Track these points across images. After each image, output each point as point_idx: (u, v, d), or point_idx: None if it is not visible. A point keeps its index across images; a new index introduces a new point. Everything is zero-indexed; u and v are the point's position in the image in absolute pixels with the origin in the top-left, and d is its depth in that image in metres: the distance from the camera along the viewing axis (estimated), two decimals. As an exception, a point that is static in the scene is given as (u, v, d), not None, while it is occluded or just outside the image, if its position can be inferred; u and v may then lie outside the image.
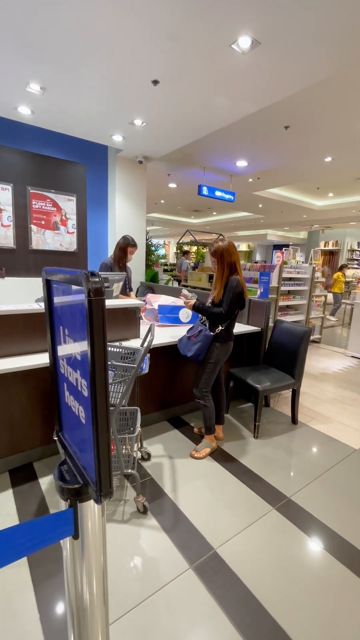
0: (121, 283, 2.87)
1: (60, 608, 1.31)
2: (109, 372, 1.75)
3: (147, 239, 7.52)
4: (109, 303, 2.39)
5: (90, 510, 0.71)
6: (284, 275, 4.66)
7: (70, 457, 0.79)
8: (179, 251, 15.08)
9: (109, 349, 1.92)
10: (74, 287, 0.67)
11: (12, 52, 2.53)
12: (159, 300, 3.27)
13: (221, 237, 2.75)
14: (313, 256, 5.72)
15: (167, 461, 2.26)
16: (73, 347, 0.72)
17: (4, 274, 3.79)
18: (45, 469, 2.13)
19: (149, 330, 1.89)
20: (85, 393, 0.65)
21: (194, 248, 15.96)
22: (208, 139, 4.35)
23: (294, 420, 2.84)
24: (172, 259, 19.17)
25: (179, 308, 3.08)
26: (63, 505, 0.71)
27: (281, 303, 4.76)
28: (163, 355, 2.65)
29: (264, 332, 3.03)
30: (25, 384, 2.09)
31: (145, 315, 3.19)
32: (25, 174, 3.77)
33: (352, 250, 14.03)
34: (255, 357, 3.13)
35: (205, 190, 6.00)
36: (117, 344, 2.09)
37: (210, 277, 7.91)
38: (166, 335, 2.61)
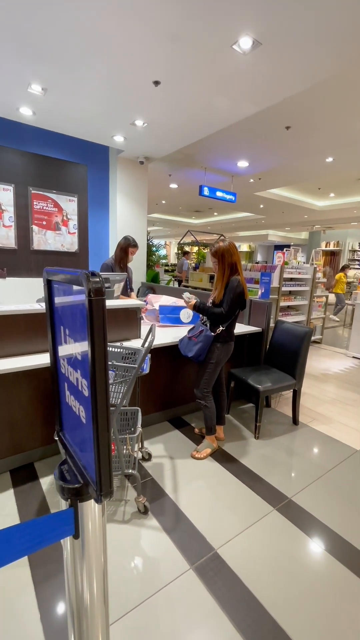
0: (122, 283, 2.88)
1: (60, 608, 1.31)
2: (110, 372, 1.76)
3: (148, 240, 7.53)
4: (110, 303, 2.39)
5: (91, 509, 0.71)
6: (285, 275, 4.66)
7: (71, 457, 0.79)
8: (180, 252, 15.10)
9: (110, 349, 1.92)
10: (74, 287, 0.67)
11: (14, 53, 2.54)
12: (159, 300, 3.28)
13: (222, 237, 2.75)
14: (314, 257, 5.72)
15: (168, 461, 2.26)
16: (74, 347, 0.72)
17: (6, 274, 3.80)
18: (46, 469, 2.13)
19: (150, 330, 1.89)
20: (86, 393, 0.65)
21: (195, 248, 15.97)
22: (209, 139, 4.35)
23: (295, 420, 2.83)
24: (173, 260, 19.19)
25: (179, 308, 3.08)
26: (64, 505, 0.71)
27: (282, 303, 4.76)
28: (164, 355, 2.65)
29: (265, 333, 3.03)
30: (26, 384, 2.09)
31: (146, 315, 3.20)
32: (26, 174, 3.78)
33: (354, 251, 14.00)
34: (256, 358, 3.13)
35: (206, 191, 6.00)
36: (118, 344, 2.10)
37: (211, 278, 7.90)
38: (167, 335, 2.61)
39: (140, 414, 2.05)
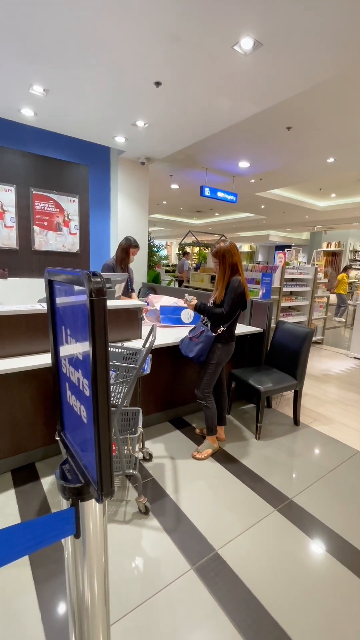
0: (123, 284, 2.88)
1: (61, 608, 1.31)
2: (111, 372, 1.76)
3: (149, 240, 7.54)
4: (111, 304, 2.40)
5: (92, 509, 0.71)
6: (286, 276, 4.66)
7: (72, 457, 0.79)
8: (181, 252, 15.11)
9: (111, 349, 1.92)
10: (76, 287, 0.67)
11: (15, 54, 2.55)
12: (160, 301, 3.28)
13: (223, 238, 2.75)
14: (315, 257, 5.71)
15: (169, 462, 2.26)
16: (75, 347, 0.72)
17: (7, 275, 3.81)
18: (47, 469, 2.13)
19: (151, 330, 1.90)
20: (87, 393, 0.66)
21: (196, 249, 15.97)
22: (210, 140, 4.36)
23: (296, 421, 2.83)
24: (174, 260, 19.20)
25: (180, 309, 3.08)
26: (65, 505, 0.71)
27: (283, 304, 4.76)
28: (165, 356, 2.65)
29: (266, 333, 3.03)
30: (27, 384, 2.10)
31: (147, 315, 3.20)
32: (28, 175, 3.79)
33: (355, 251, 13.99)
34: (257, 358, 3.13)
35: (207, 191, 6.01)
36: (119, 344, 2.10)
37: (212, 278, 7.90)
38: (168, 336, 2.61)
39: (141, 414, 2.06)
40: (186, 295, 2.32)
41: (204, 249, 14.42)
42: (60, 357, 0.87)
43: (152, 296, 3.51)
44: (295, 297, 5.02)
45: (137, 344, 2.43)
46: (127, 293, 3.25)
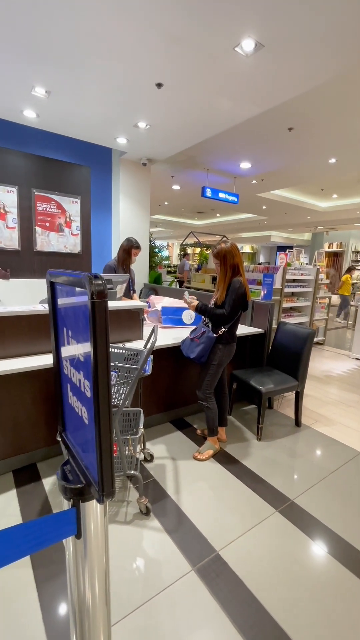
0: (124, 285, 2.89)
1: (62, 608, 1.32)
2: (112, 373, 1.76)
3: (150, 241, 7.56)
4: (112, 304, 2.40)
5: (93, 510, 0.72)
6: (288, 276, 4.65)
7: (74, 457, 0.79)
8: (182, 252, 15.12)
9: (113, 350, 1.93)
10: (77, 289, 0.68)
11: (18, 56, 2.56)
12: (162, 301, 3.28)
13: (224, 238, 2.75)
14: (317, 258, 5.70)
15: (170, 463, 2.26)
16: (76, 348, 0.73)
17: (9, 276, 3.82)
18: (48, 469, 2.14)
19: (152, 331, 1.90)
20: (88, 394, 0.66)
21: (197, 250, 15.98)
22: (212, 141, 4.37)
23: (298, 422, 2.83)
24: (175, 261, 19.20)
25: (182, 310, 3.08)
26: (66, 505, 0.72)
27: (285, 305, 4.75)
28: (166, 356, 2.65)
29: (268, 334, 3.03)
30: (29, 384, 2.10)
31: (148, 316, 3.20)
32: (30, 176, 3.81)
33: (357, 252, 13.96)
34: (259, 359, 3.12)
35: (208, 192, 6.01)
36: (120, 345, 2.10)
37: (214, 279, 7.89)
38: (169, 336, 2.61)
39: (142, 415, 2.06)
40: (185, 292, 2.32)
41: (206, 250, 14.42)
42: (61, 358, 0.88)
43: (153, 297, 3.52)
44: (296, 298, 5.01)
45: (138, 344, 2.43)
46: (128, 294, 3.25)
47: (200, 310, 2.23)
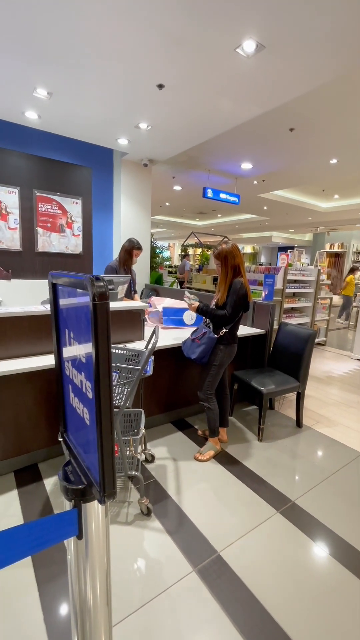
0: (126, 285, 2.89)
1: (64, 608, 1.32)
2: (114, 373, 1.77)
3: (151, 242, 7.56)
4: (114, 305, 2.41)
5: (94, 510, 0.72)
6: (289, 277, 4.65)
7: (75, 458, 0.80)
8: (183, 253, 15.12)
9: (114, 350, 1.93)
10: (79, 290, 0.68)
11: (20, 58, 2.57)
12: (163, 302, 3.29)
13: (225, 239, 2.76)
14: (318, 258, 5.70)
15: (171, 463, 2.26)
16: (78, 349, 0.73)
17: (10, 276, 3.83)
18: (50, 469, 2.14)
19: (153, 332, 1.90)
20: (90, 395, 0.66)
21: (199, 250, 15.98)
22: (213, 141, 4.37)
23: (299, 423, 2.82)
24: (176, 261, 19.21)
25: (183, 310, 3.09)
26: (67, 506, 0.72)
27: (286, 305, 4.75)
28: (167, 357, 2.65)
29: (269, 335, 3.03)
30: (30, 385, 2.11)
31: (149, 317, 3.21)
32: (31, 177, 3.82)
33: (358, 252, 13.93)
34: (260, 360, 3.12)
35: (210, 193, 6.02)
36: (121, 345, 2.11)
37: (215, 280, 7.90)
38: (170, 337, 2.62)
39: (143, 415, 2.06)
40: (186, 292, 2.32)
41: (207, 250, 14.43)
42: (63, 359, 0.88)
43: (154, 298, 3.52)
44: (298, 299, 5.01)
45: (139, 345, 2.44)
46: (129, 294, 3.26)
47: (201, 311, 2.23)
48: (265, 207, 9.25)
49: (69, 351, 0.81)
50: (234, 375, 2.81)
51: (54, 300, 0.86)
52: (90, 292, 0.57)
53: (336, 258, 14.31)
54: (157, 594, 1.38)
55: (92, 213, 4.33)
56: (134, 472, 1.81)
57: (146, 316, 3.05)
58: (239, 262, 2.16)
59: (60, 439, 0.93)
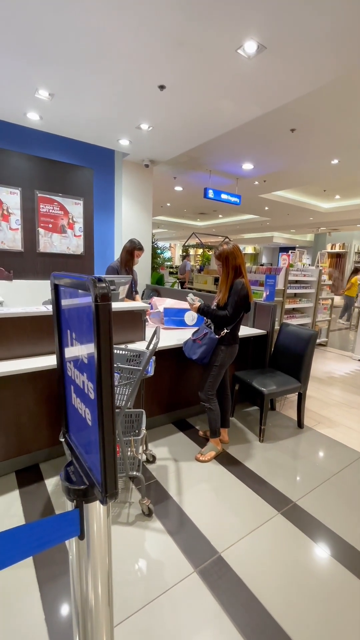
0: (127, 286, 2.90)
1: (65, 609, 1.32)
2: (115, 374, 1.77)
3: (153, 242, 7.57)
4: (115, 306, 2.41)
5: (96, 511, 0.72)
6: (290, 278, 4.65)
7: (77, 459, 0.80)
8: (184, 254, 15.13)
9: (115, 351, 1.93)
10: (81, 291, 0.68)
11: (21, 59, 2.58)
12: (164, 303, 3.29)
13: (226, 240, 2.76)
14: (320, 259, 5.69)
15: (172, 464, 2.26)
16: (80, 350, 0.73)
17: (12, 277, 3.84)
18: (51, 470, 2.14)
19: (155, 332, 1.90)
20: (92, 396, 0.66)
21: (200, 251, 15.99)
22: (214, 142, 4.37)
23: (300, 424, 2.82)
24: (177, 262, 19.22)
25: (184, 311, 3.09)
26: (69, 506, 0.72)
27: (287, 306, 4.74)
28: (168, 358, 2.65)
29: (270, 335, 3.02)
30: (32, 385, 2.11)
31: (150, 317, 3.21)
32: (33, 178, 3.83)
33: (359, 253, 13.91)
34: (261, 361, 3.12)
35: (211, 193, 6.02)
36: (122, 346, 2.11)
37: (216, 280, 7.90)
38: (171, 338, 2.62)
39: (144, 416, 2.06)
40: (190, 294, 2.33)
41: (208, 251, 14.43)
42: (65, 360, 0.88)
43: (155, 298, 3.53)
44: (299, 299, 5.01)
45: (140, 345, 2.44)
46: (131, 295, 3.26)
47: (202, 311, 2.23)
48: (266, 208, 9.26)
49: (70, 352, 0.82)
50: (235, 376, 2.81)
51: (56, 301, 0.86)
52: (93, 293, 0.57)
53: (337, 258, 14.29)
54: (159, 594, 1.38)
55: (93, 214, 4.34)
56: (135, 473, 1.81)
57: (147, 317, 3.05)
58: (240, 263, 2.16)
59: (62, 439, 0.93)
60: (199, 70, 2.62)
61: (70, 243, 4.18)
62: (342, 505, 1.93)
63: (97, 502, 0.71)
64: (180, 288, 8.97)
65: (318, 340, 5.63)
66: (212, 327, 2.23)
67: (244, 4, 1.94)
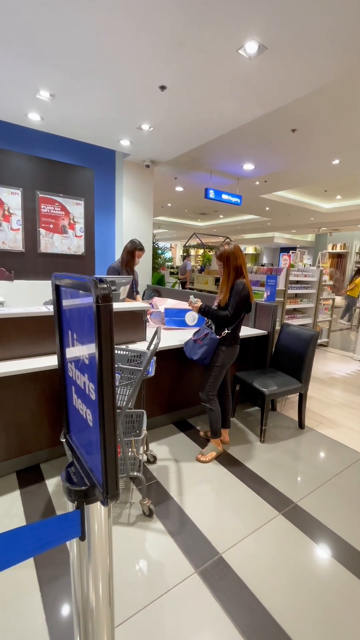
0: (128, 286, 2.90)
1: (66, 609, 1.32)
2: (116, 374, 1.77)
3: (153, 242, 7.57)
4: (116, 306, 2.41)
5: (97, 512, 0.72)
6: (291, 278, 4.65)
7: (78, 459, 0.80)
8: (184, 254, 15.13)
9: (116, 351, 1.93)
10: (82, 292, 0.68)
11: (22, 60, 2.59)
12: (165, 303, 3.29)
13: (227, 240, 2.76)
14: (320, 259, 5.69)
15: (173, 464, 2.26)
16: (81, 350, 0.73)
17: (13, 277, 3.85)
18: (52, 470, 2.15)
19: (155, 333, 1.90)
20: (93, 397, 0.66)
21: (201, 251, 15.99)
22: (215, 142, 4.37)
23: (301, 424, 2.82)
24: (178, 262, 19.23)
25: (185, 311, 3.09)
26: (70, 506, 0.72)
27: (288, 306, 4.74)
28: (169, 358, 2.65)
29: (271, 336, 3.02)
30: (33, 385, 2.11)
31: (151, 318, 3.21)
32: (34, 178, 3.84)
33: (360, 253, 13.89)
34: (262, 361, 3.12)
35: (211, 194, 6.02)
36: (123, 346, 2.11)
37: (217, 280, 7.90)
38: (172, 338, 2.62)
39: (145, 416, 2.06)
40: (191, 297, 2.33)
41: (209, 251, 14.43)
42: (66, 361, 0.88)
43: (156, 299, 3.53)
44: (300, 300, 5.00)
45: (141, 346, 2.44)
46: (131, 295, 3.27)
47: (203, 311, 2.23)
48: (267, 208, 9.25)
49: (72, 352, 0.82)
50: (236, 376, 2.81)
51: (57, 301, 0.86)
52: (94, 294, 0.57)
53: (338, 259, 14.27)
54: (159, 595, 1.38)
55: (94, 214, 4.34)
56: (136, 473, 1.81)
57: (148, 317, 3.05)
58: (241, 263, 2.16)
59: (63, 440, 0.93)
60: (200, 70, 2.62)
61: (71, 243, 4.18)
62: (343, 506, 1.93)
63: (98, 503, 0.71)
64: (181, 288, 8.96)
65: (319, 341, 5.62)
66: (213, 328, 2.23)
67: (244, 4, 1.94)
